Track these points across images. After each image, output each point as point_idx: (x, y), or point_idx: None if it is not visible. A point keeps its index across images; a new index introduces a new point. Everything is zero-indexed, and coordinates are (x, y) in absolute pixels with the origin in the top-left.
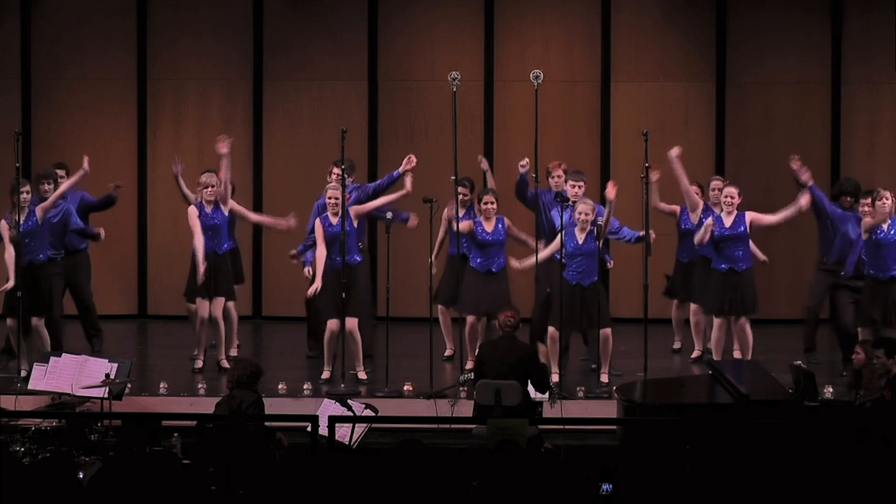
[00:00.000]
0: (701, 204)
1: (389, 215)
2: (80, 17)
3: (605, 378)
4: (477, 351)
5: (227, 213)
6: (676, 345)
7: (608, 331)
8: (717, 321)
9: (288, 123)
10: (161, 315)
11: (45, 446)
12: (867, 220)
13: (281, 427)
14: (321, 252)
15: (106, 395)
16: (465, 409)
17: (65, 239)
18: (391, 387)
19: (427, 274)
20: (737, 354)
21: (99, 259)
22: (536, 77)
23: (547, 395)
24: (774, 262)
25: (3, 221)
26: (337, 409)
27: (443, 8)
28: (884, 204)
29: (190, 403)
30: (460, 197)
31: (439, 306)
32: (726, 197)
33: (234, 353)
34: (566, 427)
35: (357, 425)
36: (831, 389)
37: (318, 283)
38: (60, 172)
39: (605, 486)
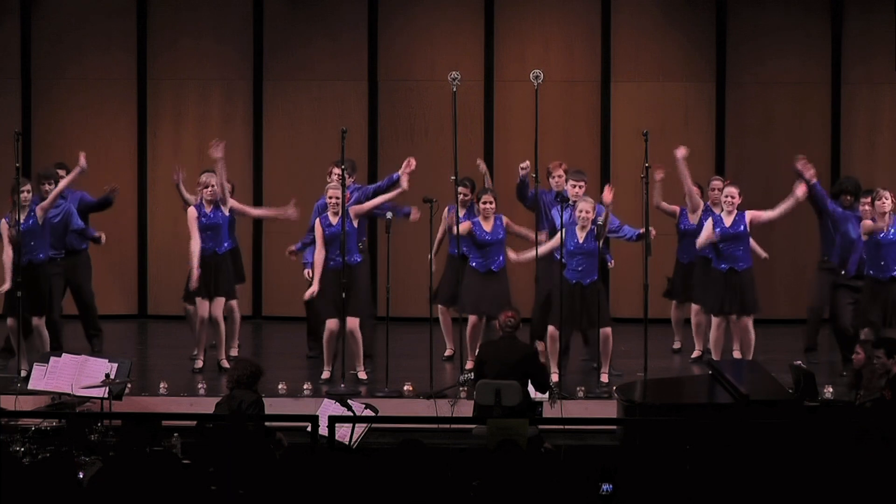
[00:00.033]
0: (701, 205)
1: (389, 215)
2: (80, 17)
3: (605, 378)
4: (477, 351)
5: (227, 213)
6: (676, 345)
7: (608, 330)
8: (715, 321)
9: (288, 123)
10: (161, 315)
11: (45, 446)
12: (867, 224)
13: (281, 427)
14: (319, 254)
15: (106, 395)
16: (465, 409)
17: (65, 239)
18: (391, 387)
19: (427, 274)
20: (736, 354)
21: (99, 259)
22: (536, 77)
23: (547, 395)
24: (774, 261)
25: (3, 221)
26: (337, 409)
27: (443, 8)
28: (883, 203)
29: (190, 403)
30: (461, 197)
31: (440, 306)
32: (727, 197)
33: (234, 353)
34: (566, 427)
35: (357, 425)
36: (831, 389)
37: (315, 287)
38: (61, 172)
39: (605, 486)
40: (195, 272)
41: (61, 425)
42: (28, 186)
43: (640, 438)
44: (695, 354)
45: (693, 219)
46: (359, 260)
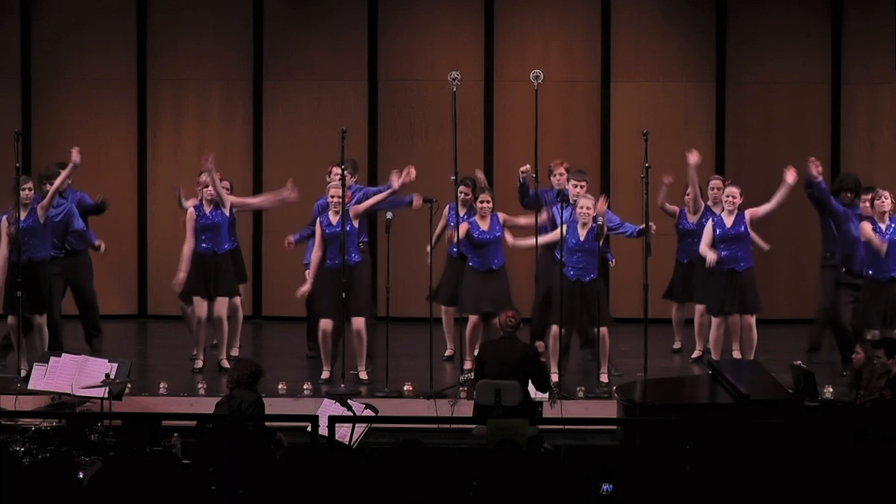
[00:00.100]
0: (702, 206)
1: (390, 215)
2: (80, 17)
3: (604, 378)
4: (477, 351)
5: (227, 214)
6: (676, 345)
7: (606, 330)
8: (715, 321)
9: (288, 123)
10: (161, 315)
11: (45, 446)
12: (867, 232)
13: (281, 427)
14: (317, 253)
15: (106, 395)
16: (465, 409)
17: (66, 239)
18: (391, 387)
19: (427, 274)
20: (736, 354)
21: (99, 259)
22: (536, 77)
23: (547, 395)
24: (775, 261)
25: (3, 218)
26: (337, 409)
27: (443, 8)
28: (883, 203)
29: (190, 403)
30: (461, 196)
31: (443, 306)
32: (728, 197)
33: (234, 352)
34: (566, 427)
35: (357, 425)
36: (831, 389)
37: (307, 287)
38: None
39: (605, 486)
40: (180, 275)
41: (61, 425)
42: (30, 184)
43: (640, 438)
44: (695, 354)
45: (692, 219)
46: (358, 260)
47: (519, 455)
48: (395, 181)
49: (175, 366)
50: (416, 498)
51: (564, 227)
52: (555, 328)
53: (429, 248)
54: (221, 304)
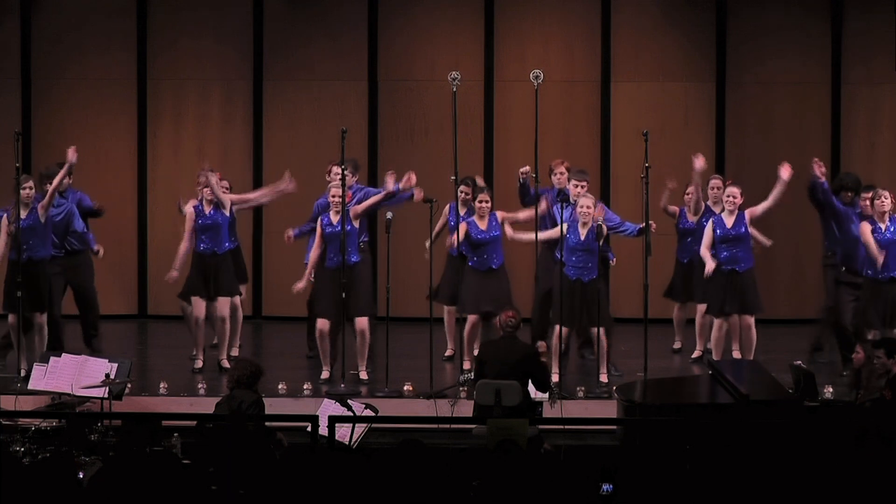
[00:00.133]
0: (703, 207)
1: (390, 215)
2: (80, 17)
3: (604, 378)
4: (477, 351)
5: (228, 214)
6: (677, 345)
7: (605, 330)
8: (716, 321)
9: (288, 123)
10: (161, 315)
11: (45, 446)
12: (867, 237)
13: (281, 427)
14: (315, 251)
15: (106, 395)
16: (465, 409)
17: (66, 239)
18: (391, 387)
19: (427, 273)
20: (736, 354)
21: (99, 259)
22: (536, 77)
23: (547, 395)
24: (774, 261)
25: (4, 216)
26: (337, 409)
27: (443, 8)
28: (882, 203)
29: (190, 403)
30: (462, 195)
31: (445, 306)
32: (728, 197)
33: (234, 352)
34: (566, 427)
35: (357, 425)
36: (831, 389)
37: (303, 283)
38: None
39: (606, 486)
40: (173, 273)
41: (61, 425)
42: (30, 183)
43: (640, 438)
44: (695, 354)
45: (693, 218)
46: (357, 260)
47: (519, 455)
48: (391, 183)
49: (175, 366)
50: (416, 498)
51: (565, 226)
52: (558, 328)
53: (427, 243)
54: (223, 304)
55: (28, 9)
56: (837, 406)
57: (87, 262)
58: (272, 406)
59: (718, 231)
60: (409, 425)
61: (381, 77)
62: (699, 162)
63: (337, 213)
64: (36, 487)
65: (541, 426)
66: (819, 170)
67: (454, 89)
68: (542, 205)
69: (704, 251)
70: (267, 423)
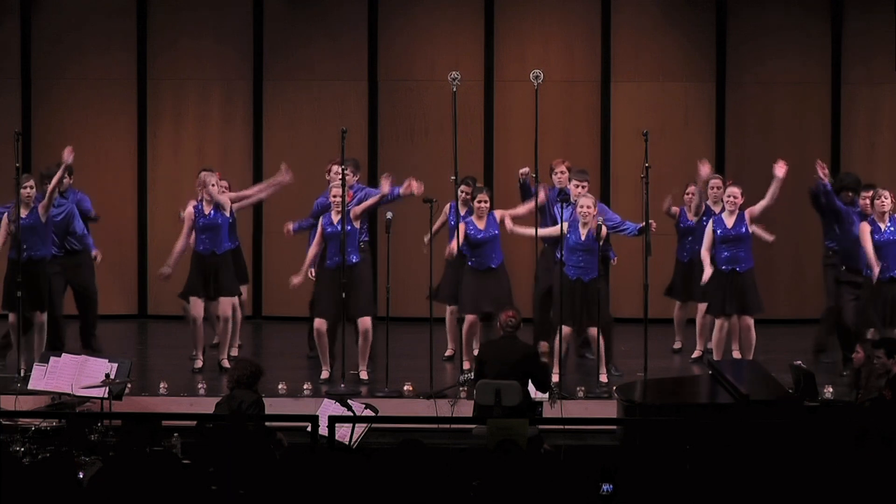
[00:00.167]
0: (703, 209)
1: (390, 215)
2: (80, 17)
3: (604, 378)
4: (477, 350)
5: (228, 215)
6: (677, 345)
7: (605, 329)
8: (718, 322)
9: (288, 123)
10: (161, 315)
11: (45, 446)
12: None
13: (281, 427)
14: (314, 248)
15: (106, 395)
16: (465, 409)
17: (66, 238)
18: (391, 387)
19: (427, 274)
20: (736, 354)
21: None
22: (536, 77)
23: (547, 395)
24: (774, 262)
25: (5, 214)
26: (337, 409)
27: (443, 8)
28: (883, 203)
29: (190, 403)
30: (462, 195)
31: (447, 306)
32: (729, 197)
33: (234, 352)
34: (566, 427)
35: (357, 425)
36: (831, 389)
37: (300, 277)
38: None
39: (606, 486)
40: (165, 269)
41: (61, 425)
42: (31, 182)
43: (640, 438)
44: (695, 354)
45: (693, 217)
46: (357, 260)
47: (519, 455)
48: (386, 185)
49: (175, 366)
50: (416, 498)
51: (565, 225)
52: (565, 329)
53: (426, 238)
54: (225, 304)
55: (28, 9)
56: (837, 406)
57: (88, 261)
58: (272, 406)
59: (719, 231)
60: (409, 425)
61: (381, 77)
62: (704, 169)
63: (338, 212)
64: (36, 487)
65: (541, 426)
66: (822, 171)
67: (454, 89)
68: (541, 195)
69: (705, 253)
70: (267, 423)
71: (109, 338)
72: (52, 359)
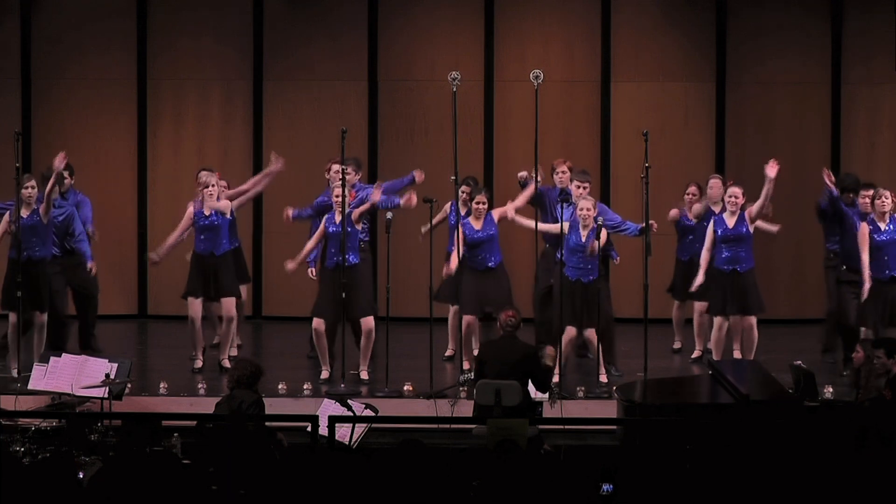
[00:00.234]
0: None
1: (390, 215)
2: (80, 17)
3: (604, 378)
4: (477, 350)
5: (229, 216)
6: (676, 345)
7: (604, 330)
8: (717, 321)
9: (288, 123)
10: (161, 315)
11: (45, 446)
12: (864, 237)
13: (281, 427)
14: (311, 245)
15: (106, 395)
16: (465, 409)
17: (66, 239)
18: (391, 387)
19: (427, 274)
20: (736, 354)
21: (99, 259)
22: (536, 77)
23: (547, 395)
24: (774, 261)
25: (7, 213)
26: (337, 409)
27: (443, 8)
28: (883, 203)
29: (190, 403)
30: (463, 196)
31: (450, 306)
32: (730, 197)
33: (234, 352)
34: (566, 427)
35: (357, 425)
36: (831, 389)
37: (294, 264)
38: (65, 173)
39: (606, 486)
40: (153, 256)
41: (61, 425)
42: (32, 182)
43: (640, 438)
44: (695, 354)
45: (693, 217)
46: (356, 261)
47: (519, 455)
48: (377, 195)
49: (175, 366)
50: (416, 498)
51: (566, 225)
52: (571, 330)
53: (423, 229)
54: (227, 304)
55: (28, 9)
56: (837, 406)
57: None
58: (272, 406)
59: (719, 231)
60: (409, 425)
61: (381, 77)
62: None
63: (340, 212)
64: (36, 487)
65: (541, 426)
66: (829, 179)
67: (454, 89)
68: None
69: (705, 253)
70: (267, 423)
71: (109, 338)
72: (52, 359)
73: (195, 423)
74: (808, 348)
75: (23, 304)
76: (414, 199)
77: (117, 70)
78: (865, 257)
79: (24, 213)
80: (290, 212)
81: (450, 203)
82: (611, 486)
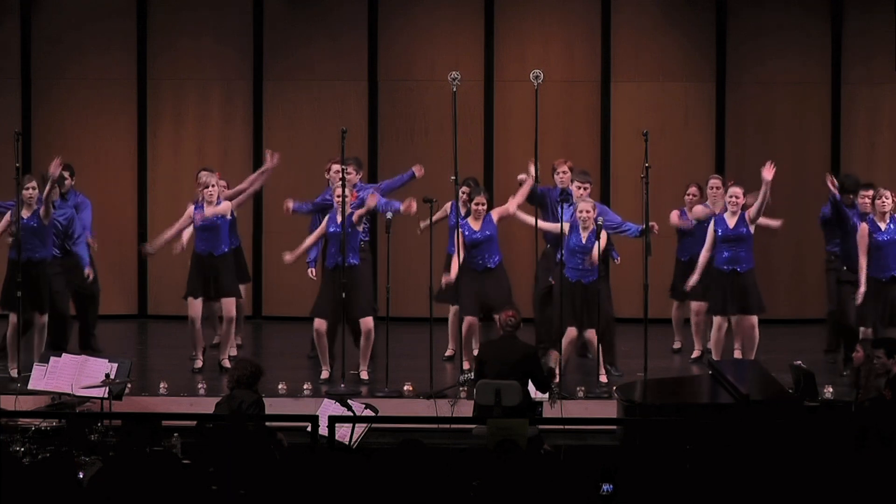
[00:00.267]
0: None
1: (390, 215)
2: (80, 17)
3: (604, 378)
4: (477, 350)
5: (229, 217)
6: (676, 345)
7: (605, 331)
8: (716, 321)
9: (288, 123)
10: (161, 315)
11: (45, 446)
12: (863, 238)
13: (281, 427)
14: (310, 240)
15: (106, 395)
16: (465, 409)
17: (66, 240)
18: (391, 387)
19: (427, 274)
20: (737, 354)
21: (99, 259)
22: (536, 77)
23: (547, 395)
24: (774, 261)
25: (8, 213)
26: (337, 409)
27: (443, 8)
28: (883, 203)
29: (190, 403)
30: (463, 196)
31: (451, 306)
32: (731, 197)
33: (234, 352)
34: (566, 427)
35: (357, 425)
36: (831, 389)
37: (292, 255)
38: (65, 173)
39: (606, 486)
40: (147, 248)
41: (61, 425)
42: (34, 183)
43: (640, 438)
44: (695, 354)
45: (692, 218)
46: (356, 262)
47: (519, 455)
48: (372, 202)
49: (175, 366)
50: (416, 498)
51: (566, 225)
52: (572, 330)
53: (422, 223)
54: (228, 304)
55: (28, 9)
56: (837, 406)
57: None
58: (272, 406)
59: (720, 231)
60: (409, 425)
61: (381, 77)
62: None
63: (341, 212)
64: (36, 487)
65: (541, 426)
66: (832, 185)
67: (454, 89)
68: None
69: (705, 253)
70: (267, 423)
71: (109, 338)
72: (52, 359)
73: (195, 423)
74: (808, 348)
75: (23, 305)
76: (414, 206)
77: (117, 70)
78: (863, 259)
79: (25, 214)
80: (291, 204)
81: (450, 203)
82: (611, 486)
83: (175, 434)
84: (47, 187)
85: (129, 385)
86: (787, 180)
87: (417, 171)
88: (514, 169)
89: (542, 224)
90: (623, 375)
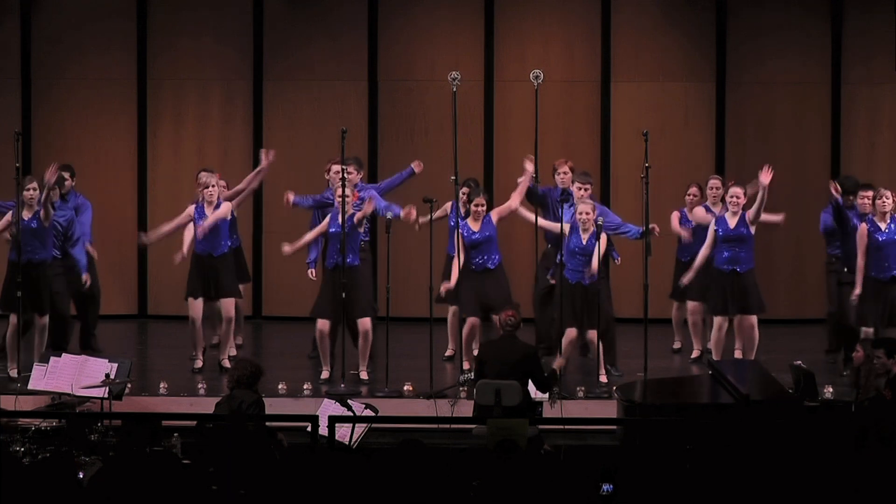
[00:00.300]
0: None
1: (390, 215)
2: (80, 17)
3: (604, 378)
4: (477, 350)
5: (229, 217)
6: (676, 345)
7: (605, 331)
8: (716, 321)
9: (288, 123)
10: (161, 315)
11: (45, 446)
12: (862, 238)
13: (281, 427)
14: (310, 236)
15: (106, 395)
16: (465, 409)
17: (66, 243)
18: (391, 387)
19: (427, 274)
20: (737, 354)
21: (99, 259)
22: (536, 77)
23: (547, 395)
24: (774, 261)
25: (9, 213)
26: (337, 409)
27: (443, 8)
28: (884, 203)
29: (190, 403)
30: (463, 197)
31: (451, 307)
32: (732, 197)
33: (232, 352)
34: (566, 427)
35: (357, 425)
36: (831, 389)
37: (291, 248)
38: (65, 174)
39: (606, 486)
40: (143, 239)
41: (61, 425)
42: (34, 184)
43: (640, 438)
44: (694, 354)
45: (692, 219)
46: (356, 262)
47: (519, 455)
48: (369, 207)
49: (175, 366)
50: (416, 498)
51: (566, 226)
52: (572, 331)
53: (422, 219)
54: (227, 304)
55: (28, 9)
56: (837, 406)
57: (89, 260)
58: (272, 406)
59: (720, 231)
60: (409, 425)
61: (381, 77)
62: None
63: (342, 213)
64: (36, 487)
65: (541, 426)
66: (835, 190)
67: (454, 89)
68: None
69: (704, 251)
70: (267, 423)
71: (109, 338)
72: (52, 359)
73: (195, 423)
74: (808, 348)
75: (23, 306)
76: (413, 212)
77: (117, 70)
78: (861, 260)
79: (26, 215)
80: (291, 196)
81: (450, 203)
82: (611, 486)
83: (175, 434)
84: (44, 194)
85: (129, 385)
86: (787, 180)
87: (416, 167)
88: (514, 169)
89: (542, 222)
90: (623, 375)
